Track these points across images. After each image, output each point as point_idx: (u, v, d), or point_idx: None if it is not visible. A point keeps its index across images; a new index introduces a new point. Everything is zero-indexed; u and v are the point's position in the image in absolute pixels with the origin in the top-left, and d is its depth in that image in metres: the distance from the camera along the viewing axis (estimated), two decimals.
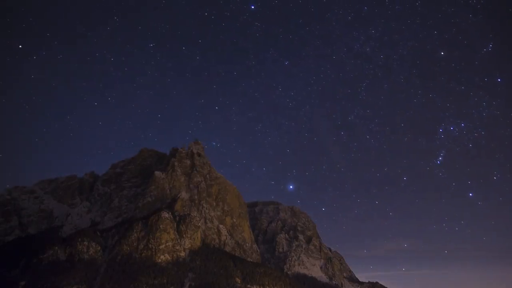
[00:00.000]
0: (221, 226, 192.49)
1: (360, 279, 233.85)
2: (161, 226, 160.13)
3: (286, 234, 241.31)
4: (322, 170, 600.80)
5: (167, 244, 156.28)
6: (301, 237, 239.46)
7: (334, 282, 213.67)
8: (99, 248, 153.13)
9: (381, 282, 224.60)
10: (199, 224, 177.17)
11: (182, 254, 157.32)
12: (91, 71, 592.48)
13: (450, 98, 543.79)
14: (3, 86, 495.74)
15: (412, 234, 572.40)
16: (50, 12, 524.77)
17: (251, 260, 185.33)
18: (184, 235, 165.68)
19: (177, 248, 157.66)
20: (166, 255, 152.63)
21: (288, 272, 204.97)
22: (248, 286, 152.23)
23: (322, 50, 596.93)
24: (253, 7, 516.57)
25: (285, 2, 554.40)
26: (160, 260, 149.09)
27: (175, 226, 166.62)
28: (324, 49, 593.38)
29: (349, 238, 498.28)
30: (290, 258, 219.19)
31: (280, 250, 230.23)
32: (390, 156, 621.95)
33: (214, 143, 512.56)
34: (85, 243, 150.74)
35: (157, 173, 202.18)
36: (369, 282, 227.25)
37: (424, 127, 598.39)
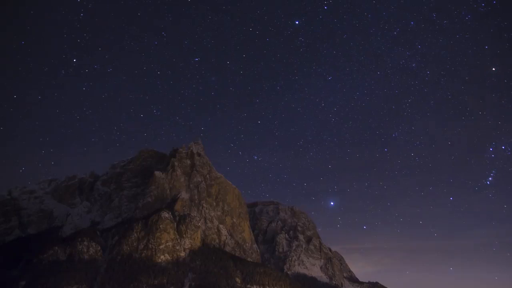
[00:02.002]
0: (221, 226, 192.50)
1: None
2: (161, 226, 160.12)
3: (286, 234, 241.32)
4: (364, 187, 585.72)
5: (167, 244, 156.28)
6: (301, 237, 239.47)
7: (334, 282, 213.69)
8: (99, 248, 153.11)
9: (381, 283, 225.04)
10: (199, 224, 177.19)
11: (182, 254, 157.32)
12: (138, 84, 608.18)
13: (502, 116, 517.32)
14: (58, 98, 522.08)
15: (457, 256, 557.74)
16: (101, 28, 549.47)
17: (251, 260, 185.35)
18: (184, 235, 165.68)
19: (177, 248, 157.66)
20: (166, 255, 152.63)
21: (288, 272, 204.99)
22: (248, 286, 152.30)
23: (366, 66, 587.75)
24: (297, 22, 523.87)
25: (329, 18, 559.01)
26: (160, 260, 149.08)
27: (175, 226, 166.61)
28: (368, 64, 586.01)
29: (392, 255, 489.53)
30: (290, 258, 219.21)
31: (280, 250, 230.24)
32: (436, 175, 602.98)
33: (255, 157, 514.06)
34: (85, 243, 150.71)
35: (157, 173, 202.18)
36: (369, 282, 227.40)
37: (473, 146, 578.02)
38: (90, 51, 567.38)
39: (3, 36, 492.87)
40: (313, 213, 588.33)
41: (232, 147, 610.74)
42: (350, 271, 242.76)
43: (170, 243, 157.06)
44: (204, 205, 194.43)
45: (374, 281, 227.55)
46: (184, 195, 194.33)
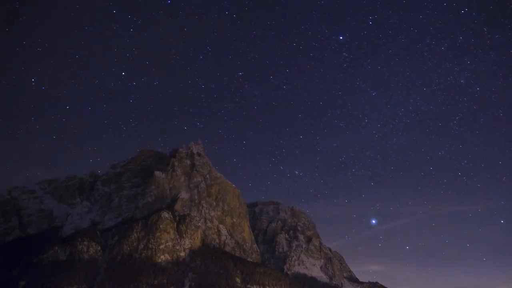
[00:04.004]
0: (221, 226, 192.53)
1: None
2: (161, 226, 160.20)
3: (286, 234, 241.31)
4: (408, 206, 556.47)
5: (167, 244, 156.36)
6: (301, 237, 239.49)
7: (334, 282, 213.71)
8: (99, 248, 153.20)
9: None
10: (199, 224, 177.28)
11: (182, 254, 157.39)
12: (182, 97, 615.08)
13: None
14: (106, 110, 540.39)
15: (507, 280, 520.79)
16: (149, 42, 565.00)
17: (251, 260, 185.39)
18: (184, 235, 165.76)
19: (177, 248, 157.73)
20: (166, 255, 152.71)
21: (288, 272, 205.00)
22: (248, 286, 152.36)
23: (412, 82, 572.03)
24: (341, 37, 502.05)
25: (374, 33, 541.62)
26: (160, 260, 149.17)
27: (175, 226, 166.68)
28: (414, 80, 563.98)
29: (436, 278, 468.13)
30: (290, 258, 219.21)
31: (280, 250, 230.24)
32: (485, 196, 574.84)
33: (296, 172, 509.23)
34: (85, 243, 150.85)
35: (157, 173, 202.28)
36: (369, 282, 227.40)
37: None
38: (138, 64, 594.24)
39: (61, 50, 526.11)
40: (354, 230, 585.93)
41: (273, 161, 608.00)
42: (350, 271, 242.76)
43: (170, 243, 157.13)
44: (204, 205, 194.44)
45: (374, 281, 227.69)
46: (184, 195, 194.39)
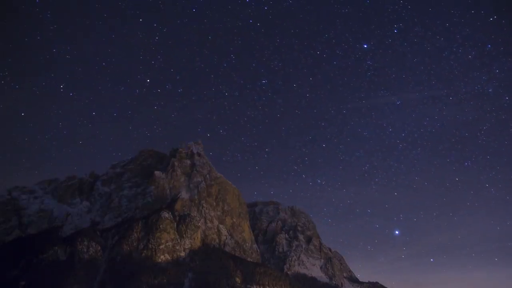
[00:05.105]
0: (221, 226, 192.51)
1: None
2: (161, 226, 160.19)
3: (286, 234, 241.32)
4: (432, 217, 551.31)
5: (167, 244, 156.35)
6: (301, 237, 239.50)
7: (334, 282, 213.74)
8: (99, 248, 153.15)
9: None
10: (199, 224, 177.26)
11: (182, 254, 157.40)
12: (206, 105, 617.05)
13: None
14: (131, 116, 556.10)
15: None
16: (174, 50, 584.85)
17: (251, 260, 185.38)
18: (184, 235, 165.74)
19: (177, 248, 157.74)
20: (166, 255, 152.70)
21: (288, 272, 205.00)
22: (248, 286, 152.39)
23: (438, 91, 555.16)
24: (365, 46, 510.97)
25: (399, 41, 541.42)
26: (160, 260, 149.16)
27: (175, 226, 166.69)
28: (441, 89, 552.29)
29: None
30: (290, 258, 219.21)
31: (280, 250, 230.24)
32: None
33: (319, 181, 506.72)
34: (85, 243, 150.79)
35: (157, 173, 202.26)
36: (369, 282, 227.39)
37: None
38: (163, 72, 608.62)
39: (88, 58, 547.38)
40: (376, 241, 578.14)
41: (295, 169, 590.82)
42: (350, 271, 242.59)
43: (170, 243, 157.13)
44: (204, 205, 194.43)
45: (374, 281, 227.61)
46: (184, 195, 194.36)
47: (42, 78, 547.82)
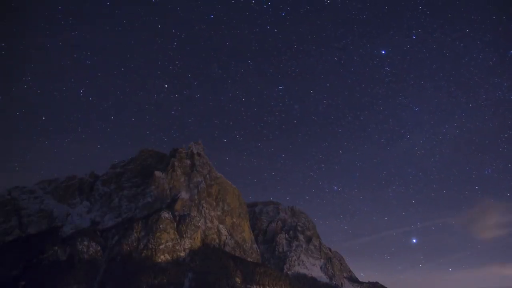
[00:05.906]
0: (221, 226, 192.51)
1: None
2: (161, 226, 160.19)
3: (286, 234, 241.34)
4: (451, 226, 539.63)
5: (167, 244, 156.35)
6: (301, 237, 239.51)
7: (334, 282, 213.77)
8: (99, 248, 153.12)
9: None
10: (199, 224, 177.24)
11: (182, 254, 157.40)
12: (223, 110, 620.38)
13: None
14: (149, 121, 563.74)
15: None
16: (191, 56, 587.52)
17: (251, 260, 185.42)
18: (184, 235, 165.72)
19: (177, 248, 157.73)
20: (166, 255, 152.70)
21: (288, 272, 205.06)
22: (248, 286, 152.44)
23: (457, 97, 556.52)
24: (383, 52, 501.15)
25: (418, 47, 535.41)
26: (160, 260, 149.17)
27: (175, 226, 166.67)
28: (459, 96, 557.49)
29: None
30: (290, 258, 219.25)
31: (280, 250, 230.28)
32: None
33: (335, 188, 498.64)
34: (85, 243, 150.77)
35: (157, 173, 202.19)
36: (369, 282, 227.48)
37: None
38: (180, 77, 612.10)
39: (107, 63, 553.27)
40: (393, 249, 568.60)
41: (312, 176, 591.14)
42: (350, 271, 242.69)
43: (170, 243, 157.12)
44: (204, 205, 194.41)
45: (374, 281, 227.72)
46: (184, 195, 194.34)
47: (62, 83, 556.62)
